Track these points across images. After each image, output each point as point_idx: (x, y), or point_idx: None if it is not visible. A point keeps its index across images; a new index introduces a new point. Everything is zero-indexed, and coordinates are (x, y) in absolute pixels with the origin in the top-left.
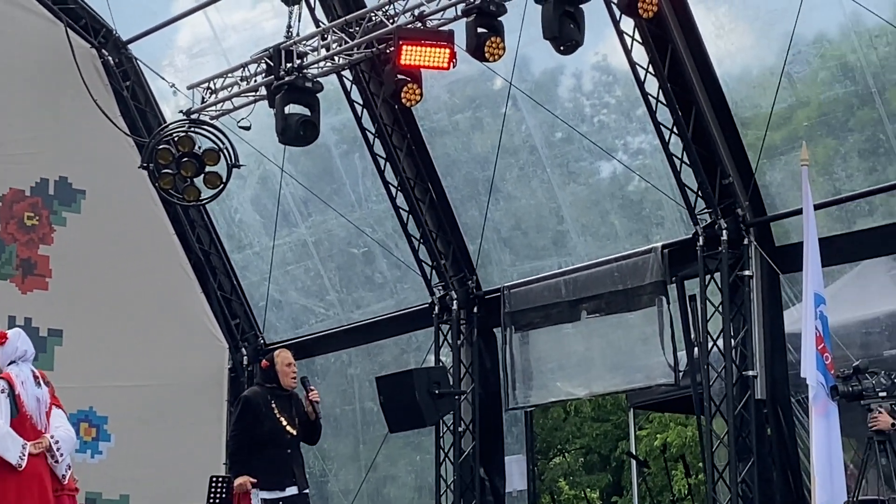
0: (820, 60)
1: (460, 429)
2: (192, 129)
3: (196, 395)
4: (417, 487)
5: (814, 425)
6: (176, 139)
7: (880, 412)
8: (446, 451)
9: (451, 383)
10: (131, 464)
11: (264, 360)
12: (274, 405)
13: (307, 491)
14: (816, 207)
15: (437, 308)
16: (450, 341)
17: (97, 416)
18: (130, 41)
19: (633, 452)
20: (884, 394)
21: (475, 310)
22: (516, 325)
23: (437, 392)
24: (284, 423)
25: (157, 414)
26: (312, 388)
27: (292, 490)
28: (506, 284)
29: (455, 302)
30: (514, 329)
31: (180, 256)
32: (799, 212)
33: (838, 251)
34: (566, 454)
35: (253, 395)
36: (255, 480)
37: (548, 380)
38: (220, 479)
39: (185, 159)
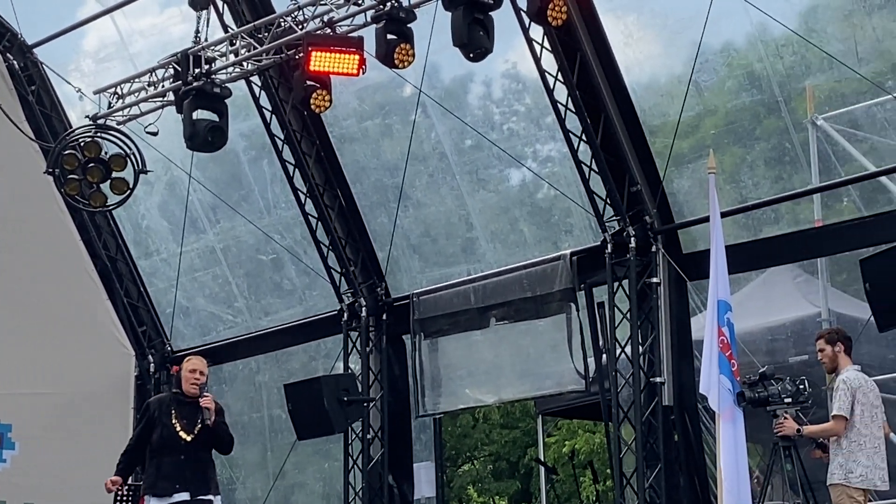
0: (727, 69)
1: (369, 436)
2: (99, 134)
3: (102, 403)
4: (326, 495)
5: (721, 431)
6: (82, 144)
7: (786, 418)
8: (355, 458)
9: (360, 390)
10: (36, 472)
11: (175, 366)
12: (173, 411)
13: (209, 497)
14: (723, 215)
15: (345, 315)
16: (359, 348)
17: (1, 425)
18: (36, 45)
19: (542, 459)
20: (789, 400)
21: (384, 317)
22: (425, 332)
23: (345, 399)
24: (179, 429)
25: (62, 422)
26: (206, 394)
27: (182, 496)
28: (415, 291)
29: (364, 309)
30: (423, 336)
31: (86, 263)
32: (706, 219)
33: (745, 258)
34: (475, 461)
35: (154, 401)
36: (115, 479)
37: (457, 387)
38: (128, 487)
39: (92, 165)
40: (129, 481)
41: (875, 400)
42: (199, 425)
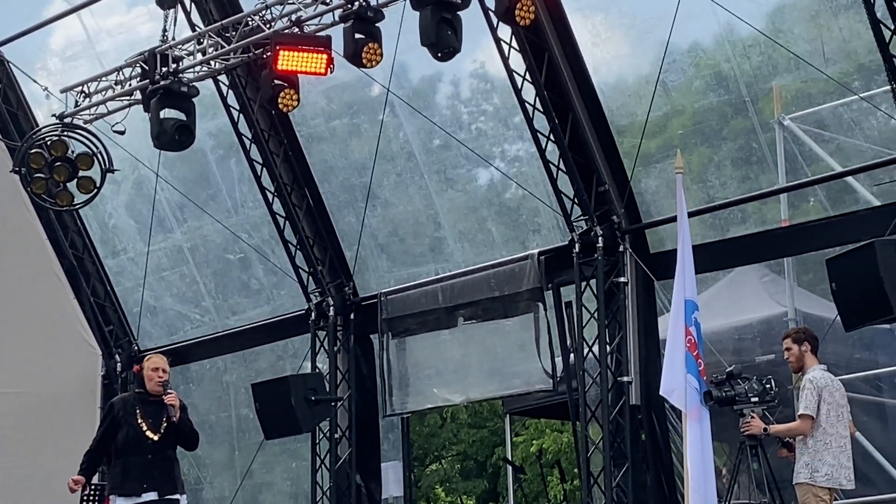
0: (694, 69)
1: (336, 435)
2: (66, 132)
3: (69, 402)
4: (293, 494)
5: (688, 431)
6: (49, 143)
7: (752, 417)
8: (322, 457)
9: (328, 390)
10: (1, 471)
11: (137, 365)
12: (138, 410)
13: (175, 496)
14: (690, 215)
15: (313, 314)
16: (326, 348)
17: None
18: (2, 43)
19: (510, 458)
20: (756, 399)
21: (352, 316)
22: (393, 331)
23: (313, 399)
24: (145, 428)
25: (28, 421)
26: (169, 391)
27: (150, 496)
28: (383, 291)
29: (332, 308)
30: (390, 335)
31: (53, 262)
32: (674, 219)
33: (712, 258)
34: (443, 461)
35: (118, 401)
36: (78, 479)
37: (424, 386)
38: (93, 487)
39: (58, 164)
40: (95, 480)
41: (841, 399)
42: (165, 424)
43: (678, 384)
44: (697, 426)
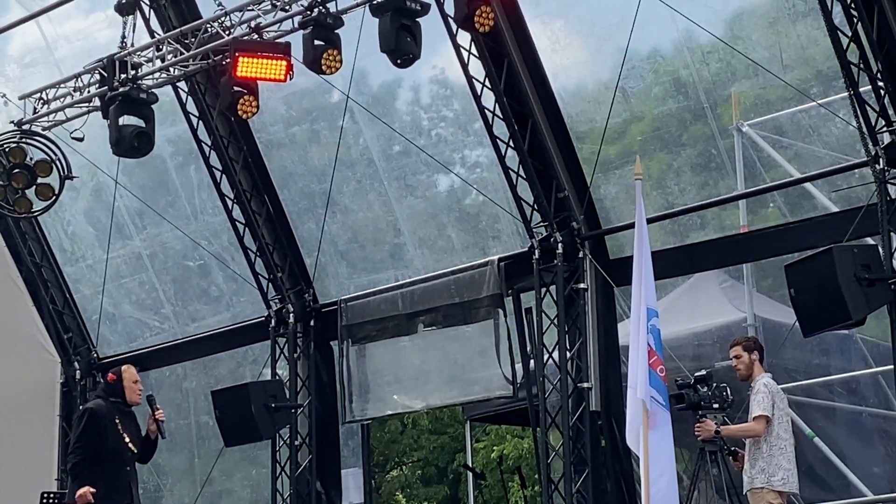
0: (654, 76)
1: (297, 442)
2: (24, 139)
3: (27, 410)
4: (253, 501)
5: (649, 440)
6: (7, 150)
7: (704, 419)
8: (282, 464)
9: (288, 397)
10: None
11: (111, 374)
12: (118, 421)
13: None
14: (650, 221)
15: (273, 321)
16: (286, 354)
17: None
18: None
19: (470, 465)
20: (716, 405)
21: (312, 323)
22: (353, 338)
23: (273, 405)
24: (127, 439)
25: None
26: (158, 407)
27: None
28: (343, 297)
29: (291, 315)
30: (350, 342)
31: (11, 269)
32: (633, 225)
33: (671, 264)
34: (403, 467)
35: (98, 409)
36: (94, 491)
37: (385, 393)
38: (51, 495)
39: (17, 170)
40: (54, 489)
41: (787, 408)
42: (140, 437)
43: (641, 391)
44: (655, 434)
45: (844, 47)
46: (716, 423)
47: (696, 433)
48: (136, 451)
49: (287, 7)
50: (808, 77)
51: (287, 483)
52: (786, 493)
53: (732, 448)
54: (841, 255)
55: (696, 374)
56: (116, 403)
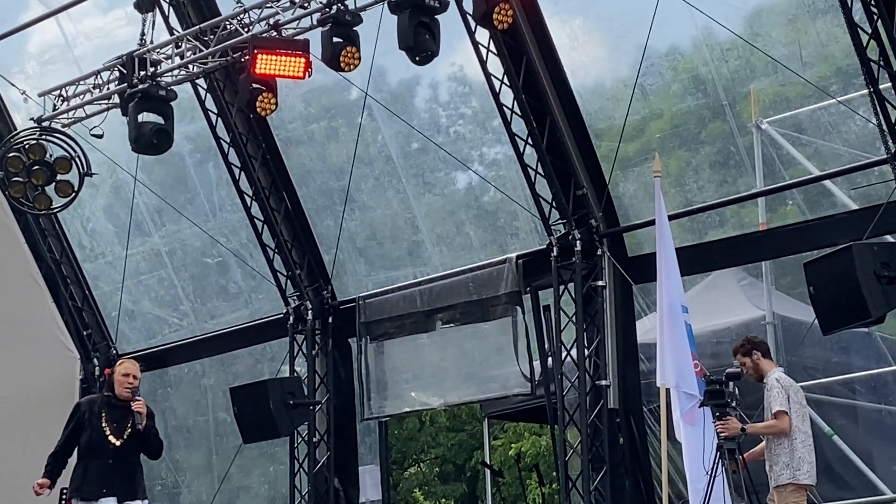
0: (672, 73)
1: (315, 439)
2: (44, 136)
3: (46, 406)
4: (271, 498)
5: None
6: (27, 147)
7: (728, 418)
8: (301, 461)
9: (306, 393)
10: None
11: (108, 368)
12: (103, 414)
13: (136, 502)
14: (669, 218)
15: (291, 318)
16: (304, 351)
17: None
18: None
19: (488, 462)
20: (734, 403)
21: (330, 320)
22: (371, 335)
23: (291, 402)
24: (108, 432)
25: (5, 425)
26: (137, 398)
27: (108, 501)
28: (361, 294)
29: (310, 312)
30: (368, 339)
31: (31, 266)
32: (651, 223)
33: (689, 262)
34: (421, 464)
35: (84, 402)
36: (43, 482)
37: (402, 390)
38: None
39: (36, 167)
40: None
41: (802, 399)
42: (129, 430)
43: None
44: (692, 430)
45: (864, 44)
46: (730, 418)
47: (720, 431)
48: (118, 444)
49: (306, 4)
50: (827, 74)
51: (305, 480)
52: (809, 485)
53: (736, 456)
54: (860, 253)
55: (728, 370)
56: (107, 397)
